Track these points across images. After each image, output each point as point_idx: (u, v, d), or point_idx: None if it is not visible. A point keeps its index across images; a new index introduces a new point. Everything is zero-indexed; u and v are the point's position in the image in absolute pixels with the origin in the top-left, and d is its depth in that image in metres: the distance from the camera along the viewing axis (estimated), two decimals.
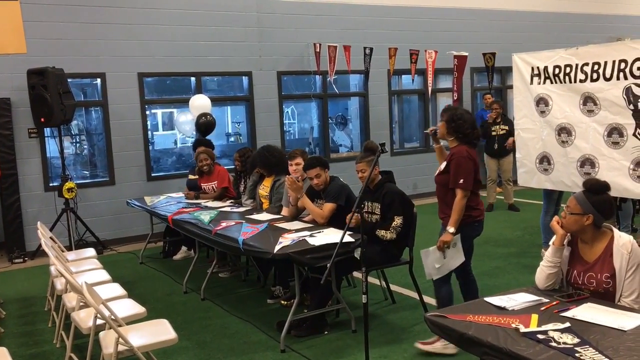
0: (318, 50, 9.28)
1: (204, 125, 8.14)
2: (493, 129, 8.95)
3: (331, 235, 4.52)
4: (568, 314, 2.76)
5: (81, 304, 4.12)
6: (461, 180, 4.08)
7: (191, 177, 7.48)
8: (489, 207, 9.20)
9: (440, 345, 4.18)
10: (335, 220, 4.96)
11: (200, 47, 8.70)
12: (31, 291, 6.28)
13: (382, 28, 10.05)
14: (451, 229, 4.07)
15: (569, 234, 3.15)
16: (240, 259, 6.58)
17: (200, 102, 8.38)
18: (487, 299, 3.05)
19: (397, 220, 4.65)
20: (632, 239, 3.01)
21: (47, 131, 7.85)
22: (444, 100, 11.34)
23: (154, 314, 4.40)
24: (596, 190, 3.08)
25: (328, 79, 9.58)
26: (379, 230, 4.68)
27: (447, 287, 4.28)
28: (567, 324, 2.63)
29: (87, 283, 3.62)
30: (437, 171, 4.34)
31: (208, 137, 8.05)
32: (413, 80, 9.89)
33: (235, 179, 6.94)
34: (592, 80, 5.37)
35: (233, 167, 7.09)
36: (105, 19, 8.07)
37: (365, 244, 3.94)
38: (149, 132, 8.83)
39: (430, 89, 9.75)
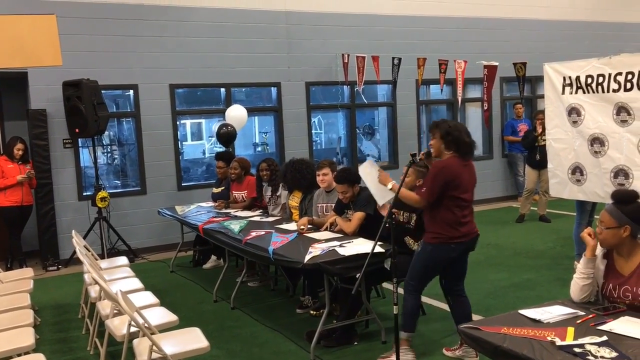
0: (346, 60, 9.32)
1: (225, 135, 8.21)
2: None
3: (361, 246, 4.52)
4: (605, 327, 2.72)
5: (115, 311, 4.18)
6: (423, 189, 4.06)
7: (215, 190, 7.56)
8: (520, 217, 9.09)
9: (460, 353, 4.23)
10: (364, 230, 4.96)
11: (230, 59, 8.81)
12: (65, 298, 6.40)
13: (410, 38, 10.05)
14: (390, 185, 4.11)
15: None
16: (269, 269, 6.61)
17: (236, 113, 8.45)
18: (522, 312, 3.01)
19: None
20: None
21: (80, 141, 8.03)
22: (474, 110, 11.28)
23: (184, 322, 4.44)
24: (627, 200, 3.04)
25: (356, 89, 9.60)
26: (408, 238, 4.66)
27: (412, 299, 4.22)
28: (605, 338, 2.59)
29: (122, 291, 3.69)
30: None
31: (232, 149, 8.08)
32: (442, 90, 9.85)
33: (259, 188, 6.85)
34: (626, 90, 5.28)
35: (256, 176, 7.06)
36: (138, 32, 8.23)
37: (396, 255, 3.93)
38: (179, 143, 8.95)
39: (460, 98, 9.70)
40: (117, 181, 9.04)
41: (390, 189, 4.08)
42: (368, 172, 4.32)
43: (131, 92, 8.38)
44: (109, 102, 8.34)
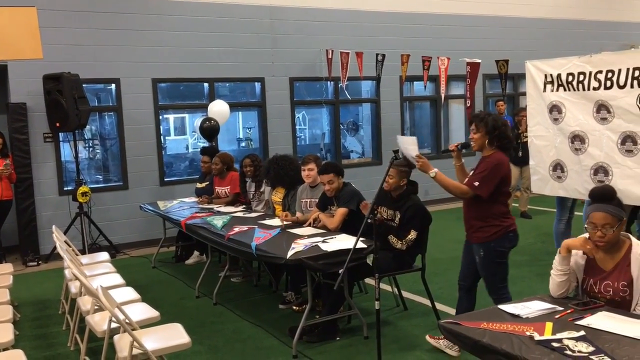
0: (330, 56, 9.32)
1: (208, 130, 8.18)
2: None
3: (344, 241, 4.53)
4: (583, 322, 2.75)
5: (96, 307, 4.15)
6: (477, 184, 3.93)
7: (199, 185, 7.54)
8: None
9: (445, 343, 4.28)
10: (347, 226, 4.97)
11: (214, 54, 8.76)
12: (45, 294, 6.34)
13: (394, 35, 10.08)
14: (433, 173, 3.92)
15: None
16: (252, 264, 6.61)
17: (219, 108, 8.42)
18: (501, 307, 3.05)
19: (412, 235, 4.64)
20: None
21: (61, 136, 7.94)
22: (456, 107, 11.34)
23: (166, 318, 4.42)
24: (611, 196, 3.05)
25: (340, 85, 9.61)
26: (391, 236, 4.68)
27: (468, 300, 4.22)
28: (582, 333, 2.62)
29: (102, 287, 3.66)
30: (467, 179, 4.11)
31: (215, 143, 8.08)
32: (425, 86, 9.89)
33: (242, 183, 6.85)
34: (606, 88, 5.35)
35: (239, 172, 7.09)
36: (120, 25, 8.15)
37: (378, 251, 3.95)
38: (162, 137, 8.89)
39: (443, 95, 9.74)
40: (98, 176, 8.97)
41: (434, 177, 3.95)
42: (406, 145, 4.05)
43: (113, 86, 8.30)
44: (91, 96, 8.26)
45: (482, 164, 4.02)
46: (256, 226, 5.41)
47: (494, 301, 4.07)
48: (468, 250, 4.23)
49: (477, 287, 4.29)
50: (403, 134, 10.66)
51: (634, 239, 3.05)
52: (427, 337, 4.48)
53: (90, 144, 9.19)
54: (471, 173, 4.12)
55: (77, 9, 7.90)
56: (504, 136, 4.01)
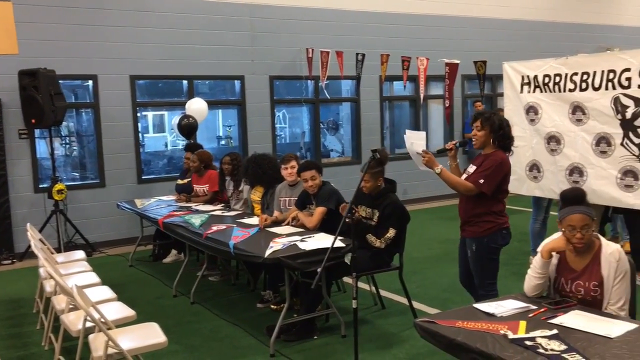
0: (310, 55, 9.32)
1: (186, 127, 8.13)
2: None
3: (322, 240, 4.54)
4: (555, 321, 2.80)
5: (71, 306, 4.11)
6: (482, 181, 3.96)
7: (179, 182, 7.49)
8: None
9: None
10: (326, 226, 4.98)
11: (193, 51, 8.71)
12: (20, 293, 6.25)
13: (374, 34, 10.11)
14: (438, 170, 3.97)
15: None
16: (231, 263, 6.58)
17: (197, 106, 8.37)
18: (476, 305, 3.08)
19: (391, 233, 4.67)
20: (620, 248, 3.05)
21: (37, 132, 7.82)
22: (435, 107, 11.42)
23: (143, 317, 4.39)
24: (584, 196, 3.10)
25: (320, 84, 9.62)
26: (370, 235, 4.70)
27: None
28: (555, 331, 2.66)
29: (77, 285, 3.62)
30: (466, 175, 4.16)
31: (192, 140, 8.05)
32: (405, 86, 9.94)
33: (221, 182, 6.84)
34: (581, 90, 5.44)
35: (218, 170, 7.09)
36: (98, 21, 8.06)
37: (356, 249, 3.96)
38: (140, 135, 8.81)
39: (422, 95, 9.80)
40: (75, 173, 8.86)
41: (439, 174, 3.98)
42: (413, 140, 4.05)
43: (90, 82, 8.20)
44: (67, 92, 8.16)
45: (485, 162, 4.05)
46: (234, 225, 5.39)
47: (481, 297, 4.11)
48: (462, 246, 4.30)
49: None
50: (382, 133, 10.70)
51: (603, 240, 3.10)
52: None
53: (67, 141, 9.07)
54: (471, 170, 4.14)
55: (54, 4, 7.78)
56: (508, 136, 4.09)
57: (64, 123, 8.16)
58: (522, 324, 2.77)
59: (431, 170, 4.03)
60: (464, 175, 4.17)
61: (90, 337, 3.62)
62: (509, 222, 4.19)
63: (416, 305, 5.01)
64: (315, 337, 4.70)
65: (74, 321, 3.87)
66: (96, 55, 8.07)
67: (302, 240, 4.57)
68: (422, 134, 4.12)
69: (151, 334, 3.63)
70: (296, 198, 5.41)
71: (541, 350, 2.48)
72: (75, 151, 9.11)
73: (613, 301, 2.98)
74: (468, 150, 11.21)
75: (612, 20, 13.20)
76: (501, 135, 4.05)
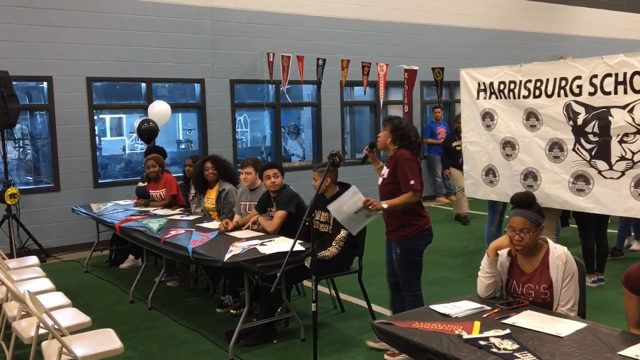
0: (271, 59, 9.32)
1: (146, 132, 8.02)
2: (456, 143, 8.84)
3: (282, 244, 4.54)
4: (508, 321, 2.87)
5: (23, 313, 4.00)
6: (412, 182, 4.07)
7: (141, 184, 7.38)
8: (464, 218, 9.23)
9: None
10: (285, 229, 4.99)
11: (152, 53, 8.60)
12: None
13: (335, 40, 10.17)
14: (385, 205, 4.04)
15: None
16: (190, 268, 6.51)
17: (160, 109, 8.26)
18: (432, 307, 3.13)
19: (342, 234, 4.71)
20: (566, 250, 3.15)
21: None
22: (395, 112, 11.54)
23: (99, 323, 4.30)
24: (531, 202, 3.19)
25: (281, 89, 9.62)
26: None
27: (421, 300, 4.28)
28: (508, 331, 2.73)
29: (30, 292, 3.53)
30: (381, 180, 4.33)
31: (160, 145, 7.95)
32: (365, 92, 10.04)
33: (184, 186, 6.83)
34: (535, 97, 5.58)
35: (182, 174, 7.04)
36: (54, 21, 7.88)
37: (316, 253, 3.98)
38: (97, 138, 8.64)
39: (382, 101, 9.91)
40: (28, 177, 8.61)
41: (387, 209, 4.03)
42: (349, 201, 3.94)
43: (45, 84, 8.00)
44: (21, 94, 7.94)
45: (397, 165, 4.15)
46: (193, 229, 5.34)
47: (406, 297, 4.26)
48: (388, 248, 4.41)
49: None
50: (343, 138, 10.75)
51: (551, 243, 3.20)
52: (369, 343, 4.51)
53: (20, 144, 8.82)
54: (385, 173, 4.26)
55: (7, 4, 7.57)
56: (406, 138, 4.23)
57: (18, 125, 7.93)
58: (477, 324, 2.83)
59: (378, 214, 4.04)
60: (380, 179, 4.34)
61: (44, 344, 3.52)
62: (430, 222, 4.31)
63: (375, 308, 5.05)
64: (275, 341, 4.69)
65: (26, 328, 3.77)
66: (51, 56, 7.88)
67: (262, 244, 4.56)
68: (352, 189, 3.99)
69: (106, 340, 3.57)
70: (256, 202, 5.40)
71: (494, 350, 2.53)
72: (29, 154, 8.86)
73: (563, 302, 3.07)
74: (426, 156, 11.36)
75: (566, 29, 13.61)
76: (399, 136, 4.23)
